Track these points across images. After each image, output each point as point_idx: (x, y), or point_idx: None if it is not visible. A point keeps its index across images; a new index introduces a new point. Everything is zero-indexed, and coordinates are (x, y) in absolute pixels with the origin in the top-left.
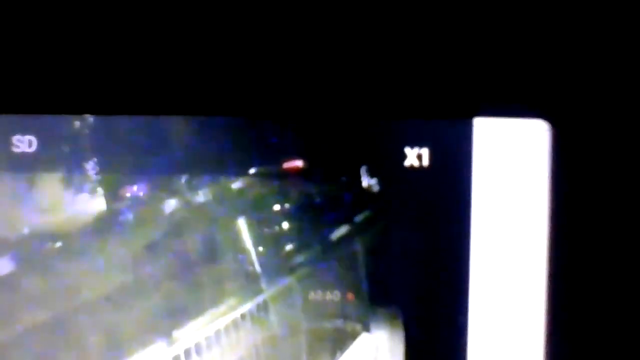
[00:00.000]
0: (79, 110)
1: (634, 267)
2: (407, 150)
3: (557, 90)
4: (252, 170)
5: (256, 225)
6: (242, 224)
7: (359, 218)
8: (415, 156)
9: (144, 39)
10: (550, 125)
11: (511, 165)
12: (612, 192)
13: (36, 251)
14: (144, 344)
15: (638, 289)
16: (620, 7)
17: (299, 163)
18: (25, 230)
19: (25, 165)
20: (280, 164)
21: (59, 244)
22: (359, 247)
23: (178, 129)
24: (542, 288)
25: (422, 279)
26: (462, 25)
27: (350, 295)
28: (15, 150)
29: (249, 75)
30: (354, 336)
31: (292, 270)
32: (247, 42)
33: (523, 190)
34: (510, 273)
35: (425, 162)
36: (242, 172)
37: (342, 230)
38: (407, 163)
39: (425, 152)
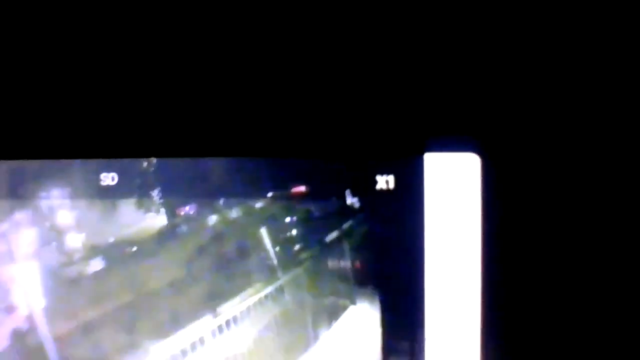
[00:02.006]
0: (147, 154)
1: (549, 269)
2: (378, 177)
3: (488, 131)
4: (269, 194)
5: (273, 233)
6: (263, 232)
7: (345, 226)
8: (384, 182)
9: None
10: (481, 158)
11: (453, 187)
12: (530, 208)
13: (118, 253)
14: (196, 317)
15: (555, 287)
16: (541, 55)
17: (302, 188)
18: (111, 239)
19: (110, 195)
20: (290, 189)
21: (134, 248)
22: (346, 245)
23: (214, 166)
24: (477, 279)
25: (391, 268)
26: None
27: (341, 280)
28: (102, 184)
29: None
30: (344, 308)
31: (299, 263)
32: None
33: (461, 207)
34: (452, 265)
35: (391, 185)
36: (263, 195)
37: (333, 234)
38: (378, 187)
39: (391, 178)
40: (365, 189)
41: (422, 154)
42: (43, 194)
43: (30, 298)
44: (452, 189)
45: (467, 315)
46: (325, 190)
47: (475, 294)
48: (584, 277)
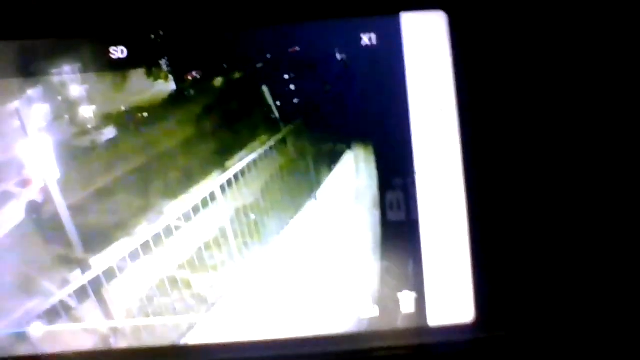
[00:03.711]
0: (154, 27)
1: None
2: (362, 35)
3: None
4: (268, 55)
5: (273, 89)
6: (264, 89)
7: (336, 79)
8: (367, 39)
9: None
10: (449, 15)
11: (427, 42)
12: (500, 66)
13: (130, 120)
14: (206, 174)
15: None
16: None
17: (297, 48)
18: (122, 108)
19: (120, 67)
20: (286, 50)
21: (145, 114)
22: (338, 96)
23: (217, 35)
24: (455, 122)
25: (380, 114)
26: None
27: (336, 127)
28: (112, 57)
29: None
30: (342, 153)
31: (298, 115)
32: None
33: (434, 60)
34: (433, 111)
35: (374, 42)
36: (262, 58)
37: (327, 87)
38: (362, 43)
39: (373, 35)
40: (352, 45)
41: (399, 13)
42: (54, 70)
43: (45, 170)
44: (426, 44)
45: (450, 154)
46: (317, 49)
47: (455, 136)
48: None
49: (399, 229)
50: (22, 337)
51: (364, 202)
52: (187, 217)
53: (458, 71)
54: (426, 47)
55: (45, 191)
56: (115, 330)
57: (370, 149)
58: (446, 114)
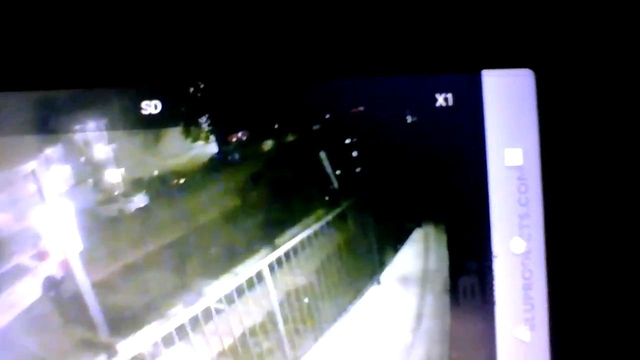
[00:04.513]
0: (192, 79)
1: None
2: (437, 95)
3: (541, 48)
4: (327, 116)
5: (333, 155)
6: (322, 155)
7: (407, 145)
8: (443, 99)
9: None
10: (534, 74)
11: (510, 104)
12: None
13: (164, 187)
14: (253, 252)
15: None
16: None
17: (361, 108)
18: (154, 172)
19: (152, 124)
20: (348, 110)
21: (181, 181)
22: (408, 165)
23: (267, 88)
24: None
25: (454, 186)
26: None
27: (405, 201)
28: (144, 112)
29: None
30: (410, 231)
31: (361, 186)
32: None
33: (518, 123)
34: (514, 181)
35: (450, 102)
36: (320, 118)
37: (395, 154)
38: (437, 104)
39: (450, 96)
40: (425, 106)
41: (480, 71)
42: (77, 126)
43: (65, 242)
44: (509, 105)
45: (533, 233)
46: (384, 109)
47: (538, 209)
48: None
49: (472, 318)
50: None
51: (432, 286)
52: (229, 300)
53: (545, 137)
54: (509, 110)
55: (65, 265)
56: None
57: (443, 228)
58: (529, 188)
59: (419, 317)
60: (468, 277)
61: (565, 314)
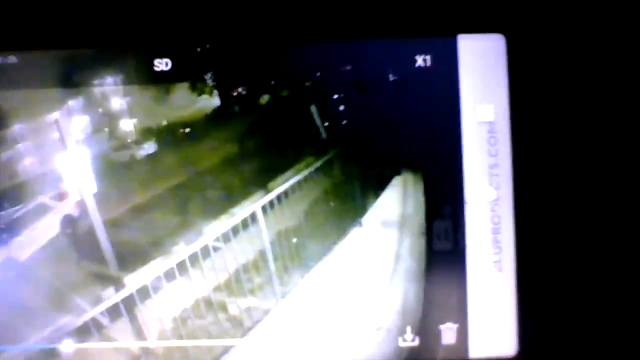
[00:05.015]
0: (201, 38)
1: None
2: (417, 56)
3: (513, 14)
4: (317, 74)
5: (322, 108)
6: (313, 108)
7: (388, 101)
8: (422, 60)
9: None
10: (505, 38)
11: (483, 65)
12: (557, 91)
13: (171, 135)
14: (248, 194)
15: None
16: None
17: (349, 67)
18: (163, 122)
19: (163, 80)
20: (337, 68)
21: (187, 130)
22: (389, 119)
23: (265, 50)
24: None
25: (431, 139)
26: None
27: (386, 151)
28: (156, 69)
29: None
30: (390, 178)
31: (347, 137)
32: None
33: (490, 85)
34: (485, 137)
35: (429, 64)
36: (312, 76)
37: (377, 109)
38: (417, 65)
39: (428, 57)
40: (405, 66)
41: (456, 35)
42: (96, 81)
43: (82, 184)
44: (482, 66)
45: (501, 183)
46: (369, 69)
47: (506, 163)
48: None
49: (445, 259)
50: (52, 353)
51: (410, 229)
52: (226, 238)
53: (514, 96)
54: (482, 71)
55: (81, 205)
56: (147, 351)
57: (420, 176)
58: (499, 141)
59: (397, 257)
60: (442, 221)
61: (531, 258)
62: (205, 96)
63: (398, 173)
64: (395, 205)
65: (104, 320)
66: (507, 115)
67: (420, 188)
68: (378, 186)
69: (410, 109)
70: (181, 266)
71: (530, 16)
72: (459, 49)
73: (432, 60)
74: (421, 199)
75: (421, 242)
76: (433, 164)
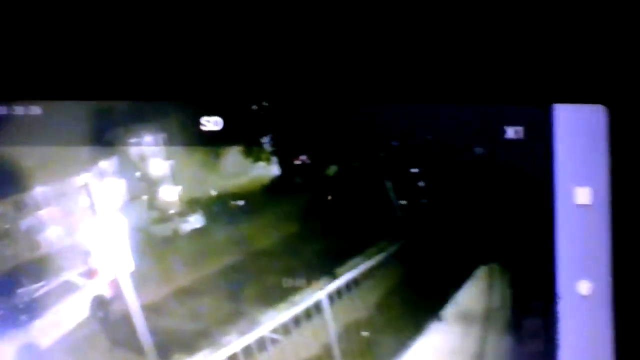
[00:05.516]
0: (258, 94)
1: None
2: (507, 127)
3: (613, 84)
4: (395, 143)
5: (398, 184)
6: (388, 183)
7: (474, 178)
8: (513, 132)
9: None
10: (607, 109)
11: (581, 140)
12: None
13: (222, 208)
14: (312, 280)
15: None
16: None
17: (430, 137)
18: (213, 192)
19: (212, 141)
20: (417, 138)
21: (241, 202)
22: (475, 198)
23: (334, 111)
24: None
25: (521, 223)
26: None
27: (471, 235)
28: (204, 128)
29: None
30: (474, 268)
31: (427, 218)
32: None
33: (589, 158)
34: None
35: (520, 135)
36: (387, 144)
37: (462, 186)
38: (507, 136)
39: (520, 129)
40: (494, 138)
41: (551, 104)
42: (133, 139)
43: (115, 261)
44: (580, 141)
45: (600, 276)
46: (452, 140)
47: (606, 250)
48: None
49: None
50: None
51: (495, 327)
52: (285, 330)
53: (615, 176)
54: (580, 147)
55: (114, 285)
56: None
57: (507, 266)
58: (596, 228)
59: (480, 356)
60: (531, 318)
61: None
62: (261, 163)
63: (483, 263)
64: (479, 299)
65: None
66: (607, 199)
67: (507, 280)
68: (460, 277)
69: (498, 188)
70: None
71: (633, 86)
72: (555, 120)
73: (525, 131)
74: (508, 292)
75: (507, 341)
76: (522, 253)
